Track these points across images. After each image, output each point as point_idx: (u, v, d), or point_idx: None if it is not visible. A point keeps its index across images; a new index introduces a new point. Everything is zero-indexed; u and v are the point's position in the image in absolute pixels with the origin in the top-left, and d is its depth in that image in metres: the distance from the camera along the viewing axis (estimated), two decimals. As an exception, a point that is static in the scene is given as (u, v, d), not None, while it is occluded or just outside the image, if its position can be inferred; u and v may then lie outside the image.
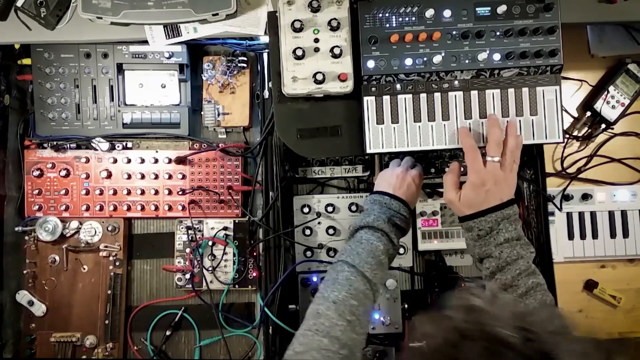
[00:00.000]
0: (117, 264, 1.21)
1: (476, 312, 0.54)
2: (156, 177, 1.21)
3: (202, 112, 1.23)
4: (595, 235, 1.29)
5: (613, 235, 1.29)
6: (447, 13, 0.96)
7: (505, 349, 0.47)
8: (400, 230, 0.97)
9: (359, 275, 0.86)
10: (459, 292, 0.57)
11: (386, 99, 0.99)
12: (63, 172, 1.21)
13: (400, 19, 0.96)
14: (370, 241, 0.91)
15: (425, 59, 0.96)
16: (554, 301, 0.84)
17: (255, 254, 1.22)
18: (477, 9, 0.96)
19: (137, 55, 1.18)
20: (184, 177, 1.22)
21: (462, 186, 0.92)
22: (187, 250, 1.20)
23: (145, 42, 1.12)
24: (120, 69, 1.20)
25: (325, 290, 0.85)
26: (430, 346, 0.52)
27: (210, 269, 1.20)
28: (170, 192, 1.21)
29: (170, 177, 1.21)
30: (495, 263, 0.86)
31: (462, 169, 0.95)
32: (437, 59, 0.96)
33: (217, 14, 1.04)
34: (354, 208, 1.19)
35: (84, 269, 1.21)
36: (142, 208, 1.22)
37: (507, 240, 0.86)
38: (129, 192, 1.21)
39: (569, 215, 1.29)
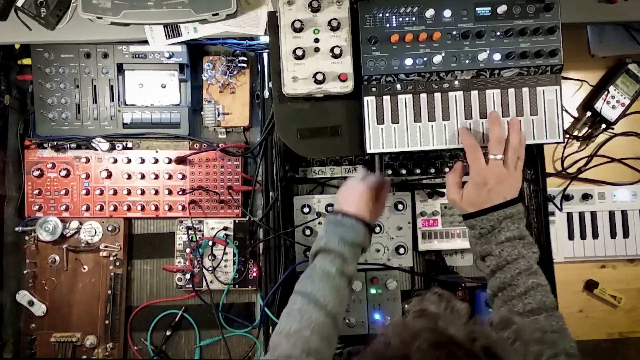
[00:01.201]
0: (117, 264, 1.21)
1: (429, 315, 0.58)
2: (156, 177, 1.21)
3: (202, 112, 1.23)
4: (595, 235, 1.29)
5: (613, 235, 1.29)
6: (447, 13, 0.96)
7: (451, 346, 0.50)
8: (357, 247, 0.94)
9: (310, 304, 0.85)
10: (416, 299, 0.62)
11: (386, 99, 0.99)
12: (63, 172, 1.21)
13: (401, 19, 0.96)
14: (322, 266, 0.89)
15: (425, 59, 0.96)
16: (555, 303, 0.83)
17: (255, 254, 1.22)
18: (477, 9, 0.96)
19: (137, 55, 1.18)
20: (184, 177, 1.22)
21: (465, 185, 0.91)
22: (187, 250, 1.20)
23: (145, 42, 1.12)
24: (120, 69, 1.20)
25: (281, 323, 0.85)
26: (384, 345, 0.55)
27: (210, 269, 1.20)
28: (170, 192, 1.21)
29: (170, 177, 1.21)
30: (495, 261, 0.86)
31: (465, 168, 0.95)
32: (437, 59, 0.96)
33: (217, 14, 1.04)
34: (354, 208, 1.18)
35: (84, 269, 1.21)
36: (142, 208, 1.22)
37: (509, 239, 0.85)
38: (129, 192, 1.21)
39: (569, 215, 1.29)
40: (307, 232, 1.18)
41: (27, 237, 1.20)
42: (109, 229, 1.21)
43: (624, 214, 1.29)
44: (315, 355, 0.80)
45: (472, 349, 0.50)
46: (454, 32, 0.96)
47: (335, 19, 0.96)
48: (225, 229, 1.21)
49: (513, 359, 0.50)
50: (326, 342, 0.84)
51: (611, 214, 1.29)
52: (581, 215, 1.29)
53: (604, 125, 1.29)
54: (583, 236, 1.29)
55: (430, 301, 0.60)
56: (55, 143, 1.20)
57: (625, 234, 1.29)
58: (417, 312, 0.59)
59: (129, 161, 1.21)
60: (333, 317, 0.86)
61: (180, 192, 1.21)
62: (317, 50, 0.97)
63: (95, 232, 1.21)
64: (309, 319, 0.83)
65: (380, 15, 0.96)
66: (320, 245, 0.92)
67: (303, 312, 0.84)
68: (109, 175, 1.22)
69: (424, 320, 0.57)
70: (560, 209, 1.27)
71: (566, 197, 1.28)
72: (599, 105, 1.27)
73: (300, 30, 0.96)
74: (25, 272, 1.20)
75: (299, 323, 0.83)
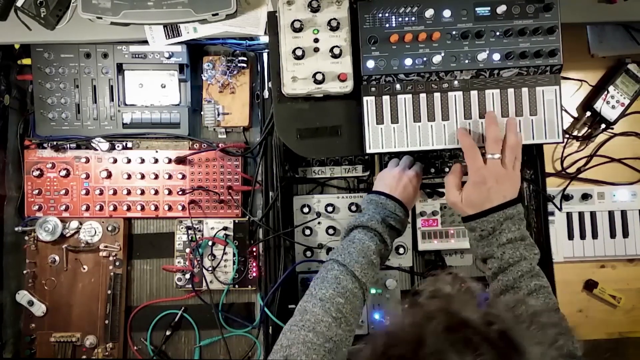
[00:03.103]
0: (117, 264, 1.21)
1: (442, 296, 0.57)
2: (156, 177, 1.21)
3: (202, 112, 1.23)
4: (595, 235, 1.29)
5: (613, 235, 1.29)
6: (446, 13, 0.96)
7: (465, 328, 0.49)
8: (395, 231, 0.97)
9: (348, 274, 0.87)
10: (429, 279, 0.60)
11: (386, 99, 0.99)
12: (63, 172, 1.21)
13: (400, 19, 0.96)
14: (362, 241, 0.91)
15: (425, 59, 0.96)
16: (557, 304, 0.83)
17: (255, 254, 1.22)
18: (476, 9, 0.96)
19: (137, 55, 1.18)
20: (184, 177, 1.22)
21: (464, 186, 0.91)
22: (187, 250, 1.20)
23: (145, 42, 1.12)
24: (120, 69, 1.20)
25: (314, 288, 0.86)
26: (397, 327, 0.55)
27: (210, 269, 1.20)
28: (170, 192, 1.21)
29: (170, 177, 1.22)
30: (497, 264, 0.85)
31: (464, 170, 0.95)
32: (436, 59, 0.96)
33: (217, 14, 1.04)
34: (353, 208, 1.19)
35: (84, 269, 1.21)
36: (142, 208, 1.22)
37: (510, 241, 0.85)
38: (129, 192, 1.21)
39: (568, 215, 1.29)
40: (307, 232, 1.18)
41: (27, 237, 1.20)
42: (109, 229, 1.21)
43: (623, 214, 1.29)
44: (345, 324, 0.82)
45: (488, 333, 0.49)
46: (454, 32, 0.96)
47: (334, 19, 0.96)
48: (225, 229, 1.21)
49: (529, 344, 0.49)
50: (355, 315, 0.85)
51: (611, 214, 1.29)
52: (581, 215, 1.29)
53: (603, 125, 1.29)
54: (583, 236, 1.29)
55: (444, 281, 0.59)
56: (55, 143, 1.20)
57: (625, 234, 1.29)
58: (430, 292, 0.58)
59: (129, 161, 1.21)
60: (364, 292, 0.88)
61: (180, 192, 1.21)
62: (316, 50, 0.97)
63: (95, 232, 1.21)
64: (345, 288, 0.85)
65: (380, 15, 0.96)
66: (362, 221, 0.94)
67: (340, 280, 0.86)
68: (109, 175, 1.22)
69: (437, 302, 0.56)
70: (560, 209, 1.27)
71: (566, 197, 1.28)
72: (599, 105, 1.27)
73: (299, 30, 0.97)
74: (25, 272, 1.20)
75: (334, 289, 0.84)
